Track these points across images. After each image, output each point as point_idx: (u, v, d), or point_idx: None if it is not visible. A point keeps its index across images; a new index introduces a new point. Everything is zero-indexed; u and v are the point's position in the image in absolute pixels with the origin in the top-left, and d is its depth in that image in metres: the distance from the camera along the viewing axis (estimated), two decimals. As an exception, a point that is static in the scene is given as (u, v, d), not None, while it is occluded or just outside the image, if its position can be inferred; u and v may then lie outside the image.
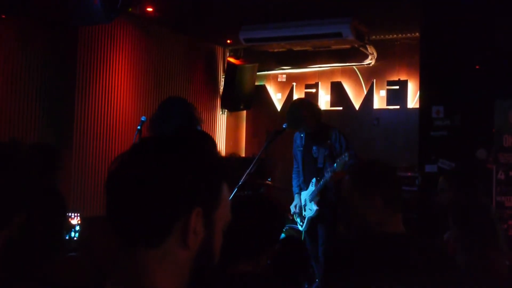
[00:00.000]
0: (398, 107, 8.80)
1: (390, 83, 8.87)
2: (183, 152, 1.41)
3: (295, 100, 7.64)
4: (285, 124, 6.51)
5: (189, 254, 1.38)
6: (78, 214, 5.95)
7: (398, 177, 2.96)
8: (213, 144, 4.01)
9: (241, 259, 2.46)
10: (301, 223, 6.70)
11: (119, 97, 8.02)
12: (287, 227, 7.34)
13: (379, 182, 2.75)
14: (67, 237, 5.72)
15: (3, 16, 6.75)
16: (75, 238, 5.73)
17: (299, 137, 6.72)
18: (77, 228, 5.77)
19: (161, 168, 1.36)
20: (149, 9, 7.77)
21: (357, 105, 9.12)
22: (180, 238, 1.36)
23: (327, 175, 6.29)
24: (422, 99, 7.05)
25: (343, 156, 6.14)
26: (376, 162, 2.85)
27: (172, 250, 1.36)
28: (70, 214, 5.84)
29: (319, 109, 6.79)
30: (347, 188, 2.82)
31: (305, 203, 6.60)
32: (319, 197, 6.45)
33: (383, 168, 2.81)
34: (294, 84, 9.61)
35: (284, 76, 9.72)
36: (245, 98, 9.53)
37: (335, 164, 6.20)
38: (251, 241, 2.48)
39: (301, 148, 6.68)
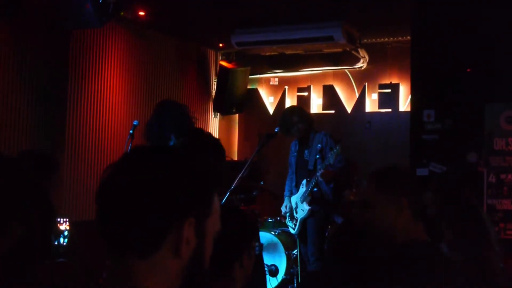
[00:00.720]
0: (390, 110, 8.83)
1: (382, 86, 8.90)
2: (176, 163, 1.40)
3: (288, 107, 7.81)
4: (277, 127, 6.56)
5: (180, 263, 1.38)
6: (67, 220, 5.92)
7: (419, 184, 2.94)
8: (218, 149, 3.99)
9: (216, 274, 2.42)
10: (293, 226, 6.73)
11: (111, 101, 8.01)
12: (279, 231, 7.35)
13: (406, 187, 2.74)
14: (56, 243, 5.70)
15: (-5, 20, 6.73)
16: (64, 244, 5.71)
17: (293, 145, 6.87)
18: (66, 233, 5.75)
19: (154, 178, 1.36)
20: (141, 13, 7.77)
21: (349, 108, 9.14)
22: (172, 248, 1.36)
23: (318, 172, 6.38)
24: (413, 102, 7.07)
25: (335, 150, 6.26)
26: (401, 167, 2.83)
27: (164, 260, 1.36)
28: (59, 219, 5.82)
29: (310, 116, 6.94)
30: (369, 192, 2.78)
31: (296, 205, 6.65)
32: (311, 197, 6.52)
33: (408, 173, 2.81)
34: (286, 87, 9.62)
35: (276, 79, 9.74)
36: (238, 102, 9.54)
37: (327, 159, 6.31)
38: (223, 255, 2.44)
39: (295, 154, 6.79)
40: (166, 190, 1.35)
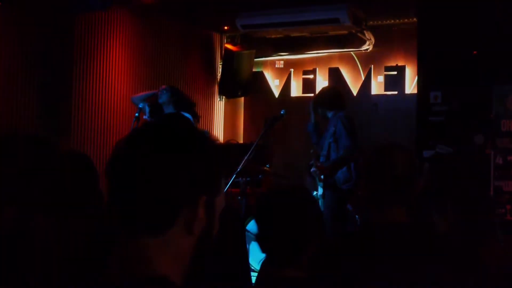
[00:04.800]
0: (396, 92, 8.79)
1: (388, 68, 8.85)
2: (193, 138, 1.40)
3: (333, 87, 7.70)
4: (283, 110, 6.52)
5: (192, 240, 1.39)
6: None
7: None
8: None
9: (287, 261, 2.39)
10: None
11: (116, 84, 8.00)
12: None
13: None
14: None
15: (0, 3, 6.71)
16: None
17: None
18: None
19: (172, 153, 1.35)
20: (146, -5, 7.75)
21: (355, 91, 9.10)
22: (185, 225, 1.36)
23: (312, 170, 6.34)
24: (420, 84, 7.05)
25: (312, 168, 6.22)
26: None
27: (176, 237, 1.36)
28: None
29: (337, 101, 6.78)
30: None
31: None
32: (323, 182, 6.44)
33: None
34: (292, 70, 9.58)
35: (282, 62, 9.70)
36: (243, 85, 9.51)
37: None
38: (299, 242, 2.40)
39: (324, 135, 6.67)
40: (184, 166, 1.34)
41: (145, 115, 6.75)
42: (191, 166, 1.36)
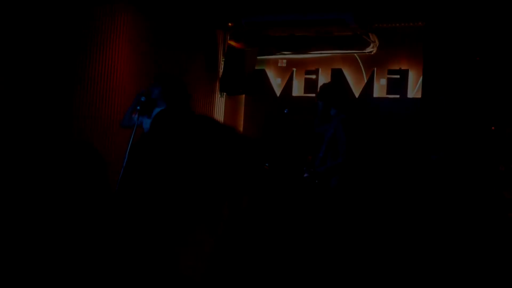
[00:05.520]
0: (398, 96, 8.78)
1: (391, 72, 8.84)
2: (223, 143, 1.38)
3: (337, 82, 7.66)
4: (286, 109, 6.49)
5: (215, 239, 1.37)
6: None
7: None
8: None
9: None
10: None
11: (118, 79, 7.96)
12: None
13: None
14: None
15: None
16: None
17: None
18: None
19: (201, 159, 1.33)
20: (152, -11, 7.72)
21: (356, 93, 9.10)
22: (209, 225, 1.34)
23: (306, 175, 6.34)
24: (424, 89, 7.05)
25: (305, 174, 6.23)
26: None
27: (200, 236, 1.35)
28: None
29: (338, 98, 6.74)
30: None
31: None
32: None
33: None
34: (294, 69, 9.57)
35: (285, 61, 9.68)
36: (245, 82, 9.50)
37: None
38: None
39: (326, 126, 6.61)
40: (215, 170, 1.33)
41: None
42: (222, 169, 1.34)
